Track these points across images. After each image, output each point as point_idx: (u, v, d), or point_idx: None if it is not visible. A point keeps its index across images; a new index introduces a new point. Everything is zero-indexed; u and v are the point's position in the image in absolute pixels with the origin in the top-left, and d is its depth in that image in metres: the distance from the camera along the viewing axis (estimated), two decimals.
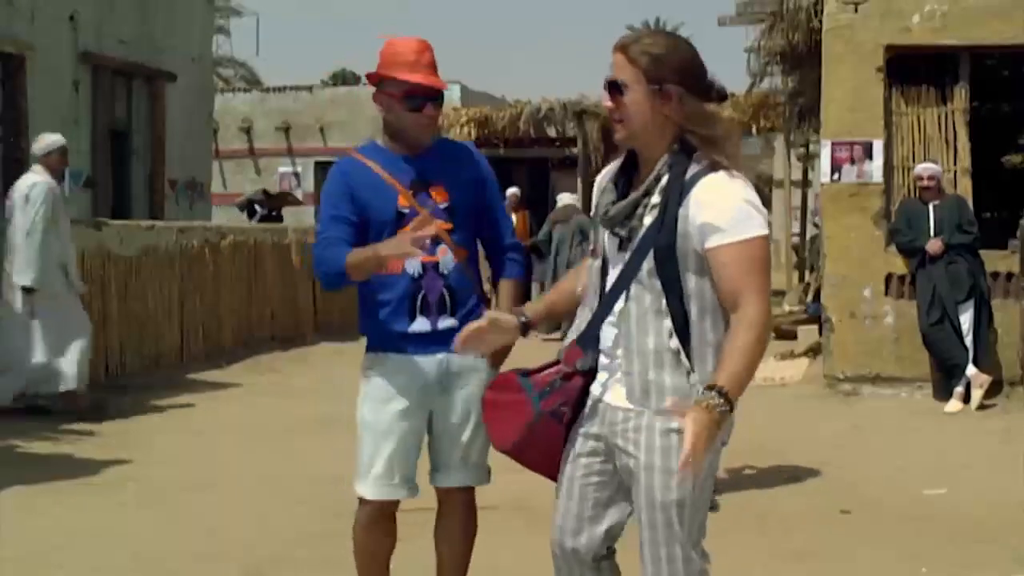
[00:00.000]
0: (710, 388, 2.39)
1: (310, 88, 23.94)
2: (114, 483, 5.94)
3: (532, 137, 18.80)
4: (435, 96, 3.31)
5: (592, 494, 2.68)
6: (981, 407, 8.00)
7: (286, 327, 12.01)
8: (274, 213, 18.62)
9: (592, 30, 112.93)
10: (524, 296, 3.55)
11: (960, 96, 8.99)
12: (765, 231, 2.46)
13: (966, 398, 8.06)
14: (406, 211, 3.27)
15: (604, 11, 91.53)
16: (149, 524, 5.16)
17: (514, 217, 14.54)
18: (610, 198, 2.61)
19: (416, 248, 2.99)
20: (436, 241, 3.26)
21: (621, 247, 2.57)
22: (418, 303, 3.29)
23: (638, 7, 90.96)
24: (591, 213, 2.74)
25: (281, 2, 78.42)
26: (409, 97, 3.26)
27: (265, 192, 19.58)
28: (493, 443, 2.78)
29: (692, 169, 2.48)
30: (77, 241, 8.79)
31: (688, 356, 2.49)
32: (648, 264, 2.49)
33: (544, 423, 2.67)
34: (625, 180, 2.61)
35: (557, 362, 2.73)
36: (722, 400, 2.36)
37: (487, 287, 3.59)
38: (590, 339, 2.65)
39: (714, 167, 2.47)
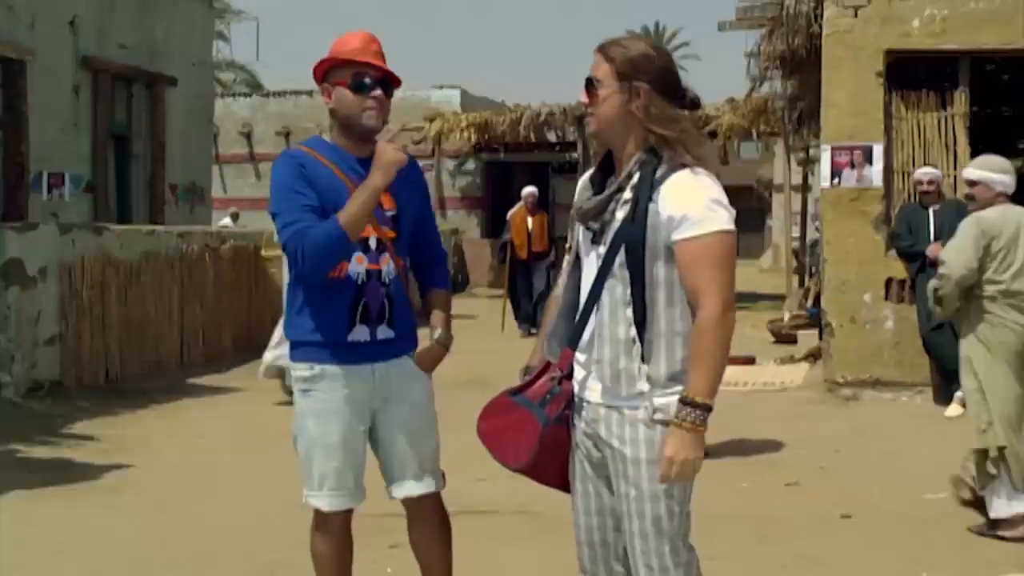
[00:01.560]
0: (684, 402, 2.52)
1: (310, 92, 23.86)
2: (114, 488, 5.94)
3: (532, 141, 18.80)
4: (384, 83, 3.26)
5: (604, 487, 2.75)
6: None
7: None
8: None
9: (592, 34, 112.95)
10: (450, 305, 3.51)
11: (960, 100, 8.99)
12: (727, 227, 2.57)
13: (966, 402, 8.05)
14: None
15: (604, 16, 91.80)
16: (148, 529, 5.16)
17: (530, 221, 13.57)
18: (587, 195, 2.74)
19: (403, 154, 3.11)
20: (381, 249, 3.27)
21: (594, 240, 2.69)
22: (359, 311, 3.25)
23: (638, 12, 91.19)
24: (571, 211, 2.84)
25: (281, 6, 78.54)
26: (356, 80, 3.22)
27: None
28: (506, 463, 2.77)
29: (663, 167, 2.60)
30: (77, 245, 8.82)
31: (643, 345, 2.59)
32: (620, 256, 2.61)
33: (552, 430, 2.72)
34: (601, 178, 2.73)
35: (543, 372, 2.79)
36: (697, 411, 2.52)
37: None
38: (578, 338, 2.71)
39: (682, 165, 2.59)
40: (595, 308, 2.66)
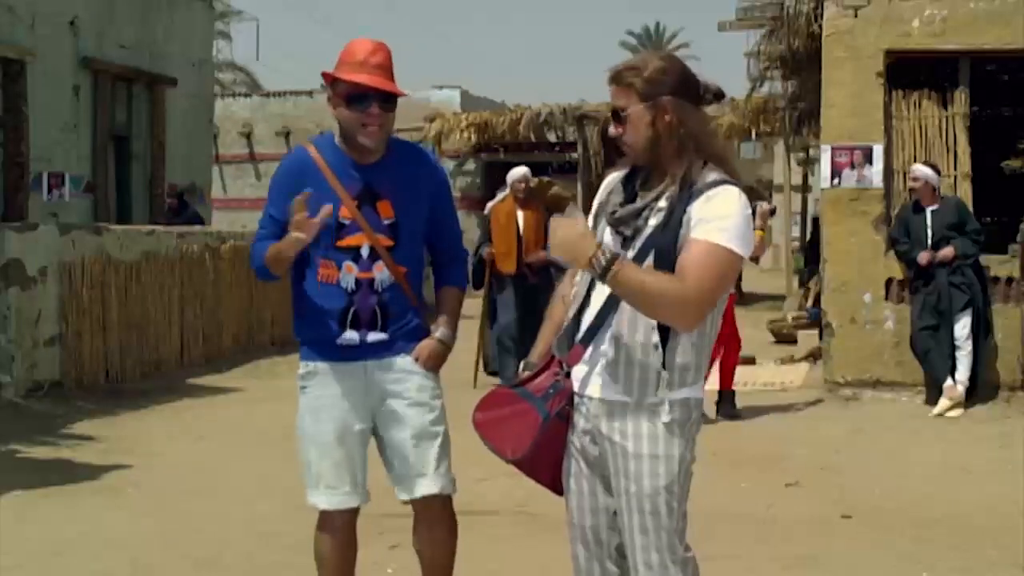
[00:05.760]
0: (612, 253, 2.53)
1: (310, 93, 23.90)
2: (114, 488, 5.94)
3: (532, 142, 18.80)
4: (384, 98, 3.23)
5: (598, 484, 2.75)
6: (940, 415, 7.94)
7: (286, 332, 11.97)
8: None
9: (593, 35, 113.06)
10: (461, 303, 3.55)
11: (960, 101, 8.99)
12: (740, 252, 2.59)
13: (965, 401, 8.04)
14: (347, 223, 3.24)
15: (604, 16, 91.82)
16: (149, 530, 5.15)
17: (521, 217, 9.07)
18: (618, 199, 2.74)
19: (305, 233, 3.14)
20: (373, 257, 3.26)
21: (624, 245, 2.69)
22: (349, 317, 3.27)
23: (638, 12, 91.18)
24: (592, 211, 2.83)
25: (281, 6, 78.57)
26: (352, 97, 3.20)
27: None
28: (502, 454, 2.75)
29: (700, 180, 2.62)
30: (77, 246, 8.82)
31: (663, 348, 2.61)
32: (649, 261, 2.62)
33: (553, 424, 2.73)
34: (633, 183, 2.74)
35: (545, 367, 2.80)
36: (607, 258, 2.49)
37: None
38: (591, 336, 2.70)
39: (715, 182, 2.62)
40: (614, 308, 2.66)
